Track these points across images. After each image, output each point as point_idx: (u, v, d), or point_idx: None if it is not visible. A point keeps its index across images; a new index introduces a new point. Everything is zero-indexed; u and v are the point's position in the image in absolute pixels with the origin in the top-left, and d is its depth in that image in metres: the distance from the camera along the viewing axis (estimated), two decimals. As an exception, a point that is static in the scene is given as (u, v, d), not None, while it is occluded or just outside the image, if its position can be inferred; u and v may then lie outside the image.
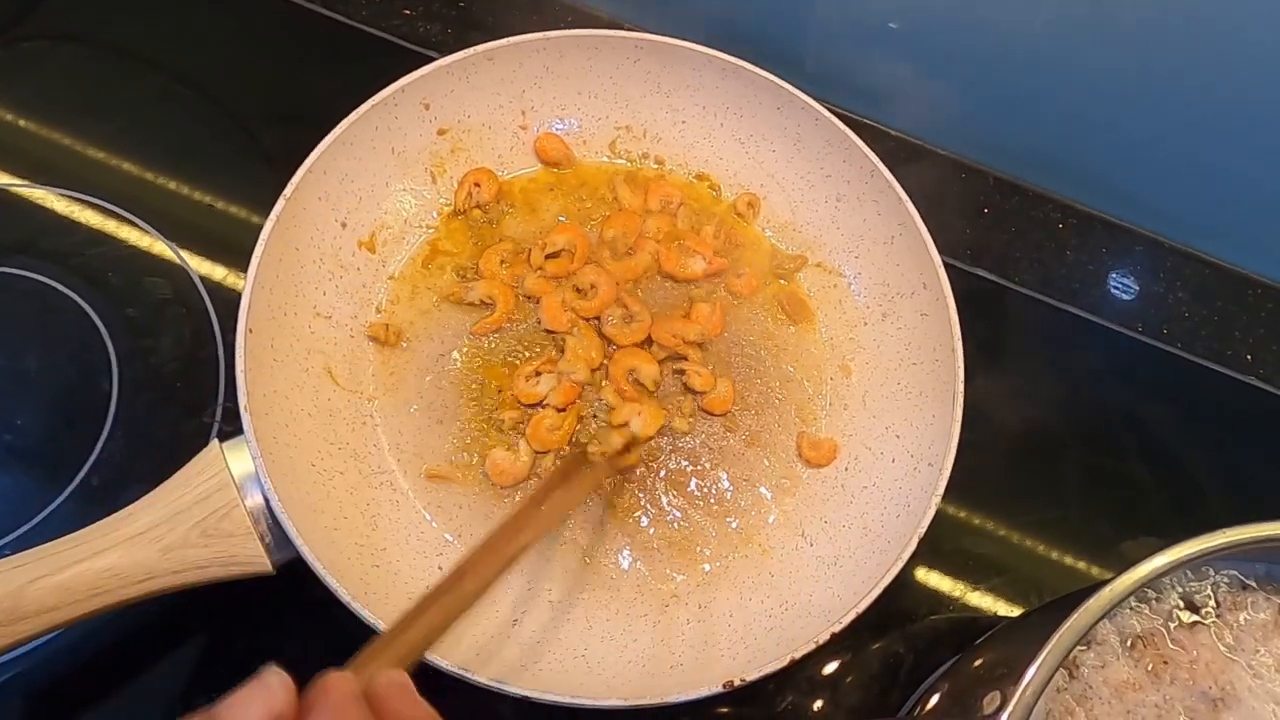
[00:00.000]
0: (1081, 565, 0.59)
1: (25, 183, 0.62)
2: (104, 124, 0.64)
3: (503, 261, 0.59)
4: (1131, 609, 0.41)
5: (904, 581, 0.51)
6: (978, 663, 0.43)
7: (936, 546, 0.57)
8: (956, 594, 0.57)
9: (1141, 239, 0.69)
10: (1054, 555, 0.59)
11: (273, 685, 0.29)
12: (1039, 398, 0.64)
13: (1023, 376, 0.64)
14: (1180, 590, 0.42)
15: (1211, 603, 0.41)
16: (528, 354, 0.57)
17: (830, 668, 0.54)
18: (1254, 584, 0.41)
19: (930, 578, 0.57)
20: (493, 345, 0.57)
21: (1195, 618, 0.41)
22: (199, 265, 0.60)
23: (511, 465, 0.53)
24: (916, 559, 0.49)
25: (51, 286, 0.58)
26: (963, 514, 0.59)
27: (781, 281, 0.61)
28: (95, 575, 0.42)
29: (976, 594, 0.57)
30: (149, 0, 0.70)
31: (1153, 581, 0.41)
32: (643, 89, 0.63)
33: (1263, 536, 0.38)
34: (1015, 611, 0.57)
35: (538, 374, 0.55)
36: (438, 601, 0.39)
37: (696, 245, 0.60)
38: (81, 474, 0.53)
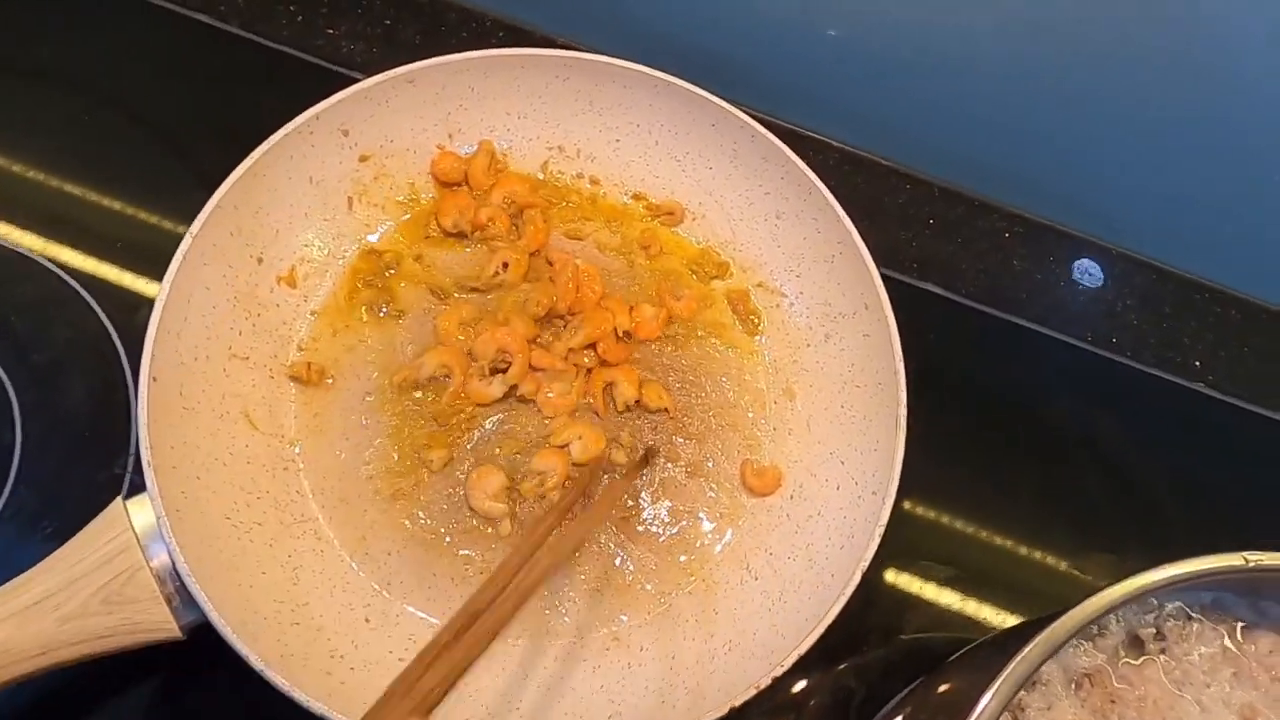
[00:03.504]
0: (1038, 584, 0.58)
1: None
2: (7, 155, 0.61)
3: (462, 323, 0.56)
4: (1075, 645, 0.39)
5: (861, 604, 0.49)
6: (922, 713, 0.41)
7: (893, 562, 0.56)
8: (906, 621, 0.56)
9: (1088, 245, 0.68)
10: (1007, 574, 0.58)
11: None
12: (989, 413, 0.62)
13: (972, 392, 0.63)
14: (1125, 624, 0.40)
15: (1158, 635, 0.40)
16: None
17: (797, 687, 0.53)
18: (1199, 616, 0.40)
19: (880, 603, 0.56)
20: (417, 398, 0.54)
21: (1143, 655, 0.39)
22: (109, 307, 0.57)
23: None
24: (867, 584, 0.48)
25: (-52, 335, 0.55)
26: (916, 532, 0.58)
27: (716, 281, 0.59)
28: (-16, 652, 0.40)
29: (930, 617, 0.56)
30: (66, 24, 0.66)
31: (1097, 617, 0.39)
32: (574, 108, 0.60)
33: (1208, 569, 0.36)
34: (970, 635, 0.56)
35: (492, 373, 0.54)
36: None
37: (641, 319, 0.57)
38: (-17, 534, 0.50)
